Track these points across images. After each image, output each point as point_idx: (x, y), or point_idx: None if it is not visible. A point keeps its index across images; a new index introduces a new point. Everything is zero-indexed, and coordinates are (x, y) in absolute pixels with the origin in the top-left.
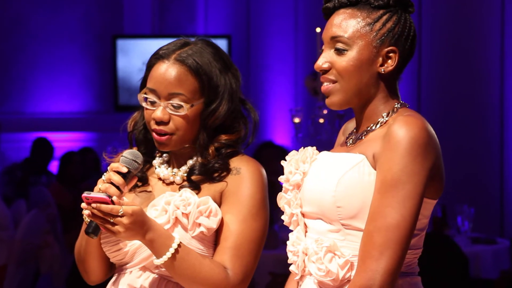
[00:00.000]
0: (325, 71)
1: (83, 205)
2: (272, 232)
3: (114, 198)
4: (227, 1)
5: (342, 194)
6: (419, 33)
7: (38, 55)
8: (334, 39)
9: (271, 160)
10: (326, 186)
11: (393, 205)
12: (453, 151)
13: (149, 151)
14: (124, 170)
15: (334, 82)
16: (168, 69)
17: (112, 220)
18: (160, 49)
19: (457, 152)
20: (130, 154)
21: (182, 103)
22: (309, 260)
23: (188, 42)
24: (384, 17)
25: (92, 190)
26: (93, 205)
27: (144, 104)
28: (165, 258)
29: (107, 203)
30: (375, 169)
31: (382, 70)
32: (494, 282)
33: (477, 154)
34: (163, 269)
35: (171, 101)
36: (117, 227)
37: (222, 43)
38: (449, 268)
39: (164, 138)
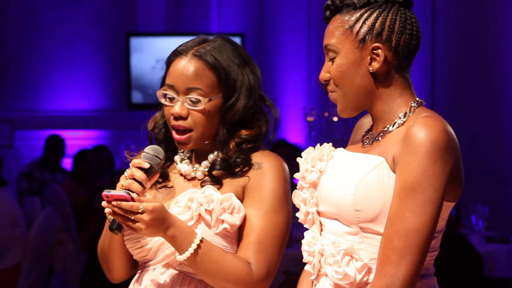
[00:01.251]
0: (328, 81)
1: (104, 203)
2: None
3: (134, 195)
4: None
5: (361, 198)
6: (432, 30)
7: (52, 53)
8: (326, 48)
9: (284, 158)
10: (344, 188)
11: (413, 210)
12: (467, 150)
13: (169, 149)
14: (146, 165)
15: (333, 91)
16: (185, 65)
17: (132, 218)
18: (179, 46)
19: (471, 151)
20: (152, 150)
21: (200, 97)
22: (325, 262)
23: (206, 39)
24: (364, 16)
25: (106, 187)
26: (114, 203)
27: (163, 101)
28: (187, 254)
29: (127, 201)
30: (395, 172)
31: (370, 69)
32: (508, 281)
33: (491, 152)
34: (186, 265)
35: (189, 96)
36: (138, 224)
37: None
38: (463, 267)
39: (183, 137)
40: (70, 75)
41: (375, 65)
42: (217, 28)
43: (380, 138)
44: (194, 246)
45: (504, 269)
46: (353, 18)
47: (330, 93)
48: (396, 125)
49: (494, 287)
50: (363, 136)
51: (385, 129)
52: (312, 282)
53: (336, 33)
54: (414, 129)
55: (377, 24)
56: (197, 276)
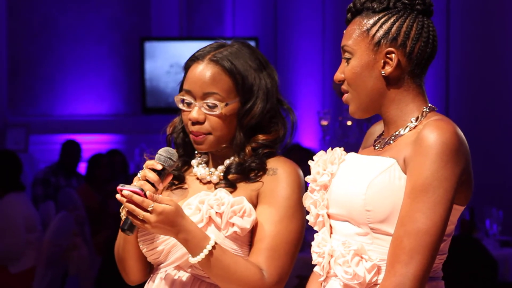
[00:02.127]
0: (343, 82)
1: (118, 196)
2: None
3: (148, 193)
4: (254, 3)
5: (372, 198)
6: (446, 33)
7: (66, 57)
8: (342, 48)
9: (298, 162)
10: (356, 189)
11: (424, 210)
12: (482, 153)
13: (187, 153)
14: (159, 167)
15: (347, 91)
16: (202, 70)
17: (141, 217)
18: (197, 51)
19: (486, 154)
20: (165, 152)
21: (216, 102)
22: (335, 262)
23: (224, 44)
24: (382, 20)
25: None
26: (125, 192)
27: (180, 106)
28: (199, 258)
29: (139, 195)
30: (406, 174)
31: (383, 72)
32: None
33: (506, 156)
34: (198, 268)
35: (206, 101)
36: (146, 225)
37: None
38: (478, 272)
39: (200, 137)
40: (84, 79)
41: (388, 69)
42: (231, 32)
43: (391, 142)
44: (206, 251)
45: None
46: (371, 21)
47: (344, 94)
48: (407, 128)
49: None
50: (375, 141)
51: (397, 132)
52: (321, 284)
53: (353, 35)
54: (425, 131)
55: (393, 29)
56: (207, 279)
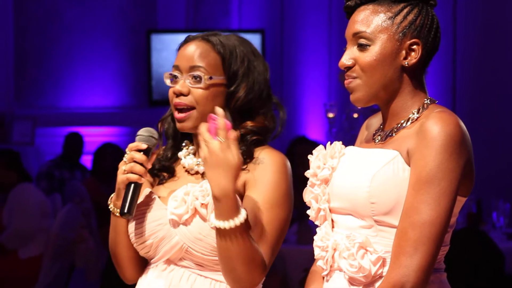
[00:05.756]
0: (349, 68)
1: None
2: (306, 227)
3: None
4: None
5: (376, 190)
6: (453, 24)
7: (73, 49)
8: (357, 35)
9: (304, 155)
10: (359, 182)
11: (428, 201)
12: (489, 146)
13: (177, 145)
14: (144, 146)
15: (356, 78)
16: (192, 46)
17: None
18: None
19: (493, 147)
20: (146, 132)
21: (201, 74)
22: (340, 256)
23: (218, 33)
24: (405, 10)
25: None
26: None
27: (167, 82)
28: (235, 222)
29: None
30: (409, 166)
31: (406, 63)
32: None
33: None
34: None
35: (190, 73)
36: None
37: (255, 38)
38: (484, 264)
39: (183, 115)
40: (91, 71)
41: (411, 60)
42: (238, 24)
43: (393, 134)
44: (241, 218)
45: None
46: (394, 10)
47: (350, 80)
48: (410, 121)
49: None
50: (374, 134)
51: (399, 125)
52: (323, 278)
53: (373, 22)
54: (429, 123)
55: (418, 21)
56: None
